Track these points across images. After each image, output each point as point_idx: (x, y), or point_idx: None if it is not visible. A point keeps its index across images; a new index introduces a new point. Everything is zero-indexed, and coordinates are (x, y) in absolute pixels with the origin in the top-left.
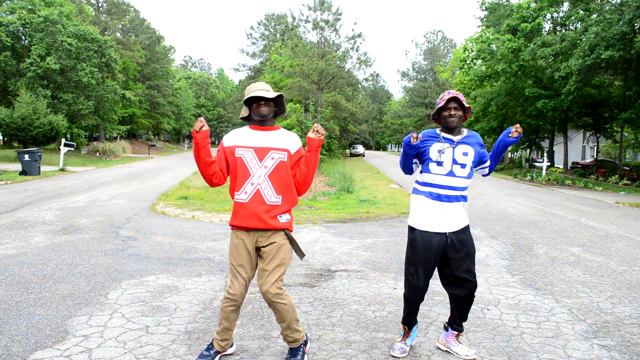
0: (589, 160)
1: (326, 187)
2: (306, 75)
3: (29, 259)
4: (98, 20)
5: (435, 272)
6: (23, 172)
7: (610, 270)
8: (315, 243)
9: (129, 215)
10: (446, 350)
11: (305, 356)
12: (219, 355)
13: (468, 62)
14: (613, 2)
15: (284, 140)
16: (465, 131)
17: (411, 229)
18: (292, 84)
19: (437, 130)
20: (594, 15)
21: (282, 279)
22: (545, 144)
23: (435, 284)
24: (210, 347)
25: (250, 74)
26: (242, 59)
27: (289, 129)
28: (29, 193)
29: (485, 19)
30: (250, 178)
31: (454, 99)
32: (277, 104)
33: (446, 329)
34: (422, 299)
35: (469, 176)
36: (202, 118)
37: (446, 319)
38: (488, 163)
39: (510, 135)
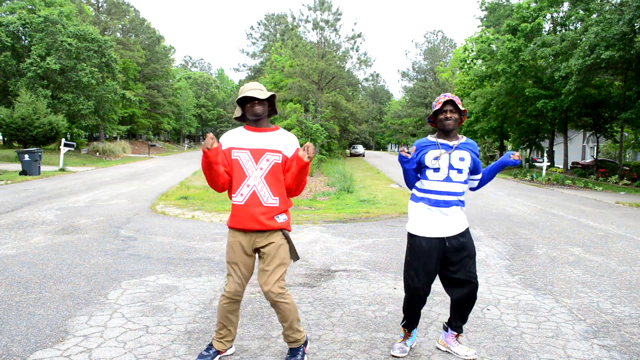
0: (589, 160)
1: (326, 187)
2: (306, 75)
3: (29, 259)
4: (98, 20)
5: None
6: (23, 172)
7: (610, 270)
8: (315, 243)
9: (129, 215)
10: (446, 351)
11: (305, 356)
12: (219, 356)
13: (468, 62)
14: (613, 2)
15: (279, 142)
16: (463, 137)
17: (410, 235)
18: (292, 84)
19: (432, 138)
20: (594, 15)
21: (284, 278)
22: (545, 144)
23: (435, 284)
24: (210, 347)
25: (250, 74)
26: (242, 59)
27: (289, 129)
28: (29, 193)
29: (485, 19)
30: (246, 180)
31: (450, 101)
32: (270, 104)
33: (446, 330)
34: (421, 304)
35: (466, 181)
36: (211, 135)
37: (446, 319)
38: (479, 176)
39: (512, 157)
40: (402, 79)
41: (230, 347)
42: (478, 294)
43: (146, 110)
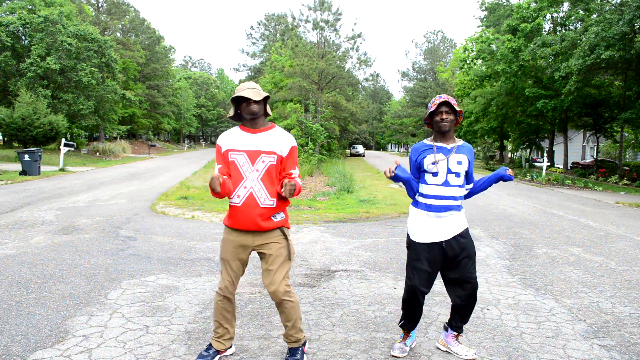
0: (589, 160)
1: (326, 187)
2: (306, 75)
3: (29, 259)
4: (98, 20)
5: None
6: (23, 172)
7: (610, 270)
8: (315, 243)
9: (129, 215)
10: (446, 351)
11: (305, 356)
12: (219, 356)
13: (468, 62)
14: (613, 2)
15: (274, 142)
16: (459, 140)
17: (409, 239)
18: (292, 84)
19: (428, 141)
20: (594, 15)
21: (289, 276)
22: (545, 144)
23: (435, 284)
24: (209, 347)
25: (250, 74)
26: (242, 59)
27: (289, 129)
28: (29, 193)
29: (485, 19)
30: (243, 182)
31: (445, 103)
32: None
33: (446, 329)
34: (416, 305)
35: (463, 185)
36: (217, 175)
37: (446, 319)
38: (470, 186)
39: (507, 172)
40: (402, 79)
41: (230, 346)
42: (478, 294)
43: (146, 110)
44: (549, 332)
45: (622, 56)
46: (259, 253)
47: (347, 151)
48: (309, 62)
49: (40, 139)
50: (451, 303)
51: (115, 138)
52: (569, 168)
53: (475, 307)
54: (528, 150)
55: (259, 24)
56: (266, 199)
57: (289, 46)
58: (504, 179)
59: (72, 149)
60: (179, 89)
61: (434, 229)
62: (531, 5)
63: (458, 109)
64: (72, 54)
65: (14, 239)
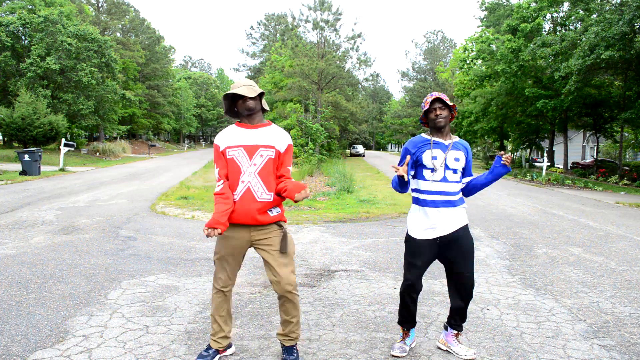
0: (589, 160)
1: (326, 187)
2: (306, 75)
3: (29, 259)
4: (98, 20)
5: (436, 273)
6: (23, 172)
7: (610, 270)
8: (315, 243)
9: (129, 215)
10: (446, 350)
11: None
12: (218, 355)
13: (468, 62)
14: (613, 2)
15: (272, 137)
16: (455, 137)
17: (407, 234)
18: (292, 84)
19: (426, 135)
20: (594, 15)
21: (294, 269)
22: (545, 144)
23: (435, 284)
24: (209, 347)
25: (250, 74)
26: (242, 59)
27: (289, 129)
28: (29, 193)
29: (485, 19)
30: (241, 176)
31: (438, 99)
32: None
33: (446, 329)
34: (410, 298)
35: (460, 181)
36: (218, 231)
37: (446, 319)
38: (468, 179)
39: (503, 161)
40: (402, 79)
41: (230, 346)
42: (478, 294)
43: (146, 110)
44: (549, 332)
45: (622, 56)
46: (259, 249)
47: (347, 151)
48: (309, 62)
49: (40, 139)
50: (450, 299)
51: (115, 138)
52: (569, 168)
53: (476, 307)
54: (528, 150)
55: (259, 24)
56: (263, 193)
57: (289, 46)
58: (504, 173)
59: (72, 149)
60: (178, 89)
61: (431, 226)
62: (531, 5)
63: (451, 104)
64: (72, 54)
65: (14, 239)
